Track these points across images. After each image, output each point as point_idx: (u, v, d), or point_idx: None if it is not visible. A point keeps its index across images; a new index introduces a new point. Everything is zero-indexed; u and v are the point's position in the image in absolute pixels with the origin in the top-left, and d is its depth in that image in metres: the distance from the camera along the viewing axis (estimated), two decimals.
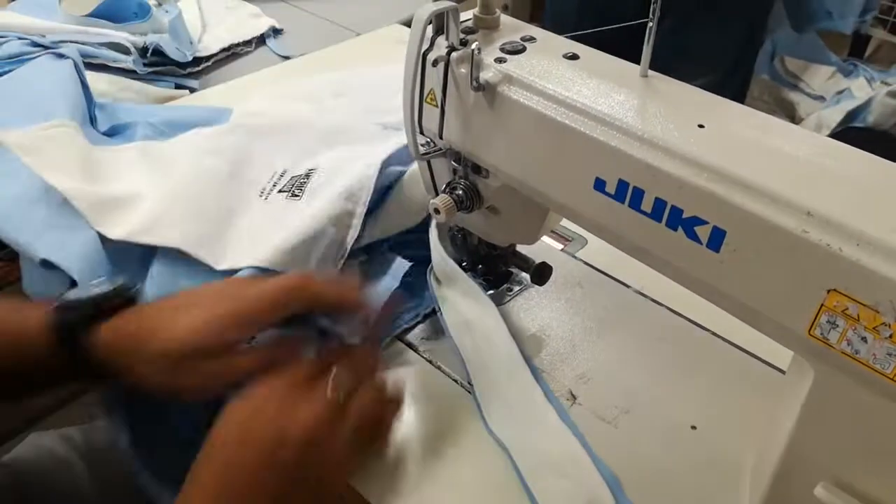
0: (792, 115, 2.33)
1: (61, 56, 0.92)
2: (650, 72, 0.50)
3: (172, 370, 0.52)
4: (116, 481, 0.75)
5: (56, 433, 0.77)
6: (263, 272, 0.62)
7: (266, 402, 0.49)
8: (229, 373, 0.52)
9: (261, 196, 0.75)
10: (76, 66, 0.91)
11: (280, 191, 0.75)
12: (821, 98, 2.35)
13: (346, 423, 0.50)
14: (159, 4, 1.16)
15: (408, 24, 0.53)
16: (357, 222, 0.67)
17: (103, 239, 0.67)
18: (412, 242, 0.71)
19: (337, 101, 0.94)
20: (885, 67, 2.45)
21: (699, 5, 1.18)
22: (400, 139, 0.73)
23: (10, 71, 0.94)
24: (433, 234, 0.67)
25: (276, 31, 1.24)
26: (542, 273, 0.67)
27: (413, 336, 0.68)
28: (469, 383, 0.62)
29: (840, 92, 2.24)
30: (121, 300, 0.58)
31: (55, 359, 0.55)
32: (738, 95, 1.59)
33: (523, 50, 0.53)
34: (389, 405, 0.54)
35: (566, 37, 0.56)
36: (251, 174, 0.77)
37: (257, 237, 0.67)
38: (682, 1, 1.17)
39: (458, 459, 0.57)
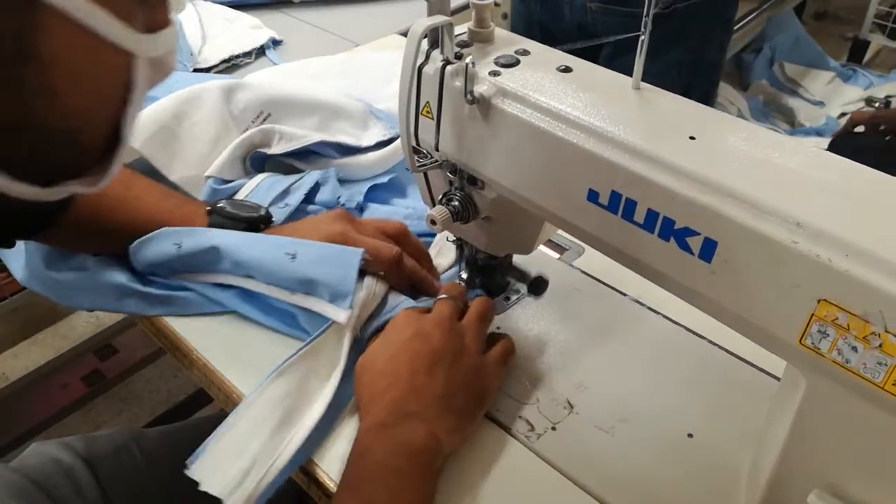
0: (791, 122, 2.34)
1: None
2: (642, 84, 0.51)
3: None
4: (120, 489, 0.75)
5: (57, 441, 0.78)
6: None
7: (397, 326, 0.60)
8: None
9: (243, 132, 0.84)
10: None
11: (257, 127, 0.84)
12: (820, 103, 2.35)
13: (469, 324, 0.61)
14: None
15: (406, 34, 0.53)
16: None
17: None
18: None
19: (339, 83, 0.99)
20: (885, 72, 2.46)
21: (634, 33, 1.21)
22: (379, 129, 0.88)
23: None
24: None
25: (275, 42, 1.25)
26: (538, 286, 0.67)
27: None
28: None
29: None
30: (264, 222, 0.71)
31: None
32: None
33: (517, 63, 0.54)
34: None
35: (561, 49, 0.57)
36: (238, 107, 0.85)
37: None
38: (620, 28, 1.20)
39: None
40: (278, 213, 0.75)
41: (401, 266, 0.66)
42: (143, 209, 0.70)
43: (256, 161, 0.84)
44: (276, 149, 0.82)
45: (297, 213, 0.77)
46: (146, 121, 0.80)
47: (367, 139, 0.87)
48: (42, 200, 0.37)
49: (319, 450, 0.59)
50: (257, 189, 0.79)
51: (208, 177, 0.79)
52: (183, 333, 0.69)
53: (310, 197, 0.80)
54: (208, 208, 0.71)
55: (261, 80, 0.98)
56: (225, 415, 0.69)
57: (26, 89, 0.32)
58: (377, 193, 0.85)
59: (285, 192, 0.78)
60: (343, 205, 0.80)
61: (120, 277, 0.69)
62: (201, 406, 1.55)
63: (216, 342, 0.67)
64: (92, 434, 0.81)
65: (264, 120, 0.86)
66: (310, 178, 0.80)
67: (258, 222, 0.71)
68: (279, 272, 0.63)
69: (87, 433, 0.81)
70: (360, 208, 0.82)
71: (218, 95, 0.84)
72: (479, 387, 0.60)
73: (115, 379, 1.59)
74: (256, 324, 0.68)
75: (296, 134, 0.83)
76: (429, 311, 0.62)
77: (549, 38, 1.32)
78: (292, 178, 0.80)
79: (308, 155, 0.85)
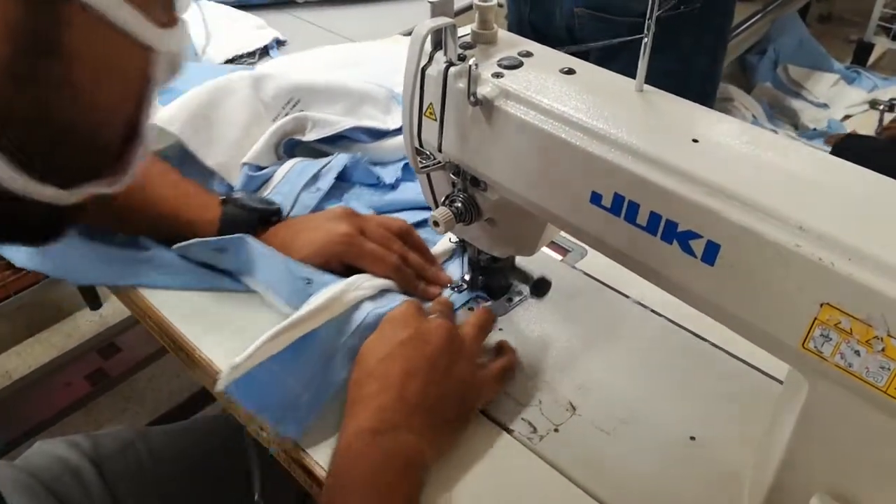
0: (795, 124, 2.33)
1: None
2: (645, 86, 0.51)
3: None
4: (126, 488, 0.76)
5: (63, 440, 0.78)
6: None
7: (396, 322, 0.60)
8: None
9: (273, 121, 0.87)
10: None
11: (287, 114, 0.87)
12: (824, 106, 2.35)
13: (468, 332, 0.61)
14: None
15: (410, 34, 0.53)
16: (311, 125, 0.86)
17: None
18: None
19: (352, 70, 1.03)
20: (889, 75, 2.46)
21: (622, 43, 1.22)
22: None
23: None
24: None
25: (279, 43, 1.25)
26: (541, 287, 0.67)
27: None
28: None
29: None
30: (276, 215, 0.74)
31: None
32: None
33: (520, 65, 0.54)
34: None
35: (563, 51, 0.57)
36: (268, 95, 0.88)
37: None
38: (605, 34, 1.21)
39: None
40: (310, 198, 0.80)
41: (402, 271, 0.69)
42: (157, 196, 0.71)
43: (287, 146, 0.88)
44: (310, 135, 0.86)
45: (336, 192, 0.83)
46: (182, 107, 0.83)
47: (392, 122, 0.91)
48: (61, 203, 0.36)
49: (312, 444, 0.59)
50: (289, 174, 0.82)
51: (244, 163, 0.83)
52: (186, 332, 0.69)
53: (348, 176, 0.85)
54: (222, 198, 0.73)
55: (279, 69, 1.03)
56: (228, 416, 0.69)
57: (49, 83, 0.32)
58: (405, 172, 0.88)
59: (316, 177, 0.82)
60: (381, 181, 0.85)
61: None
62: (204, 405, 1.55)
63: (219, 342, 0.67)
64: (98, 432, 0.81)
65: (294, 105, 0.89)
66: (338, 161, 0.84)
67: (270, 215, 0.74)
68: (297, 297, 0.66)
69: (90, 432, 0.81)
70: (393, 186, 0.86)
71: (248, 83, 0.88)
72: (468, 398, 0.59)
73: (118, 378, 1.59)
74: (260, 326, 0.68)
75: (328, 120, 0.86)
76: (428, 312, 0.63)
77: (541, 39, 1.33)
78: (322, 161, 0.84)
79: (339, 140, 0.88)
